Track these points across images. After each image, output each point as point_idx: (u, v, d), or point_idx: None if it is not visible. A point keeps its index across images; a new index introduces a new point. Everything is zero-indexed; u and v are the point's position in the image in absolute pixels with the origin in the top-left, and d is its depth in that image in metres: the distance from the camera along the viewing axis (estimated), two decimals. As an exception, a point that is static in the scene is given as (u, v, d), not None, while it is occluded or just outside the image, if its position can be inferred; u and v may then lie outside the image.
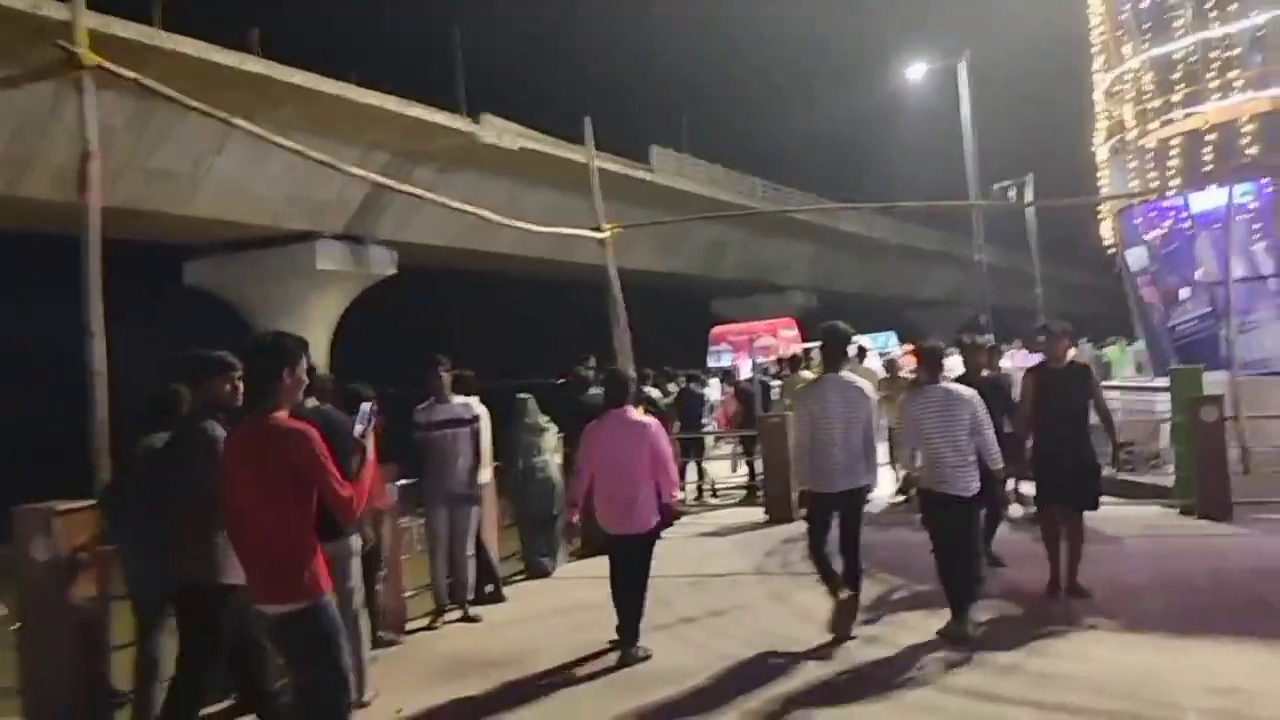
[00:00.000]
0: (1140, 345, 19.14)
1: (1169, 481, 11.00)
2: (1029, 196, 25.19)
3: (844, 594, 6.55)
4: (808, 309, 46.80)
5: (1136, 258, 14.65)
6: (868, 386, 6.85)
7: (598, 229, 11.70)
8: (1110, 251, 15.43)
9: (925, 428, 6.46)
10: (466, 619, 7.76)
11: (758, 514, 11.92)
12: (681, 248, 42.88)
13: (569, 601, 8.15)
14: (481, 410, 8.04)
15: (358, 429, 4.17)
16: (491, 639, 7.30)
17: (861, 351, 13.29)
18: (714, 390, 18.60)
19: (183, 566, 4.54)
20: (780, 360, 16.88)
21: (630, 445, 6.43)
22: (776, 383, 15.02)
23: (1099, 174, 15.35)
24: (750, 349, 20.51)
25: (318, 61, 25.20)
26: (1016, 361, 14.29)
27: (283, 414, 3.94)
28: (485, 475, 8.14)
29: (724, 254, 45.43)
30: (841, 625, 6.53)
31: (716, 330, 23.56)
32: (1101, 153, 15.13)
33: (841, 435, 6.52)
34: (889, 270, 55.36)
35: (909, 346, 14.08)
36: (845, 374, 6.76)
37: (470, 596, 7.88)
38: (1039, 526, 7.33)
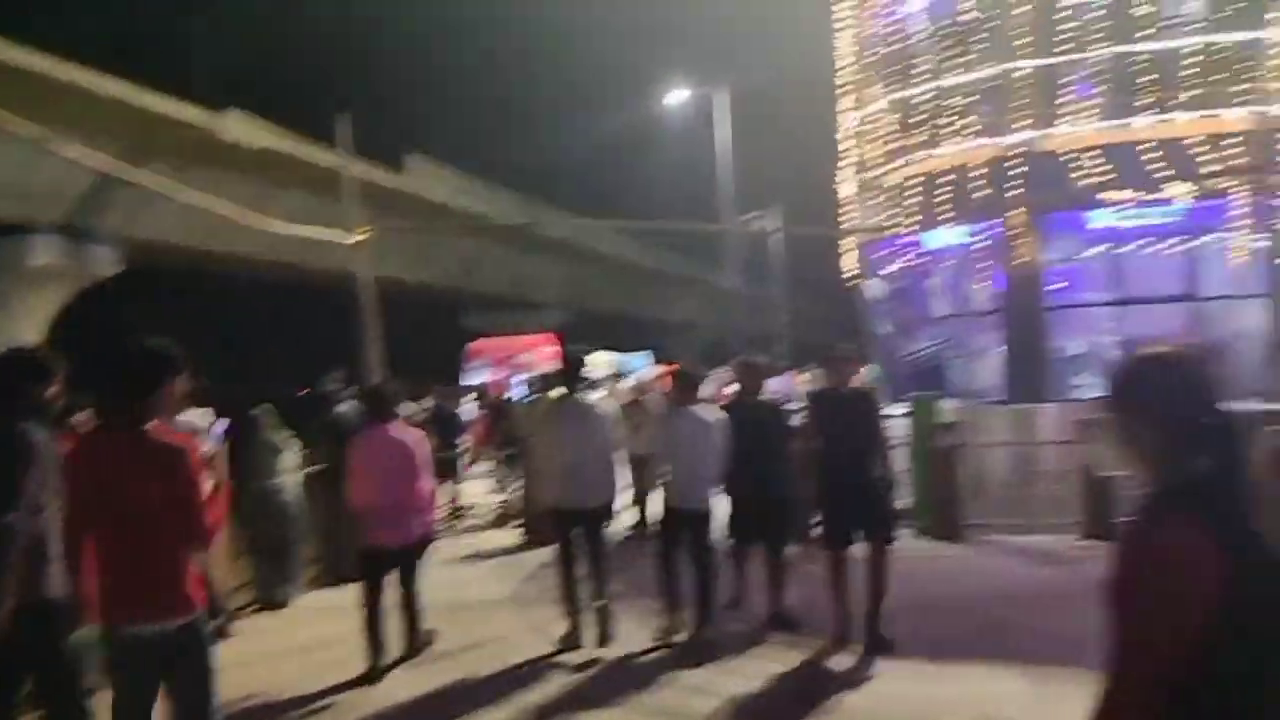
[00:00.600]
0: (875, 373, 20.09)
1: (906, 503, 11.45)
2: (777, 238, 26.22)
3: (588, 611, 6.89)
4: (563, 327, 46.85)
5: (875, 290, 15.36)
6: (608, 409, 7.28)
7: (348, 232, 10.97)
8: (851, 283, 16.11)
9: (674, 447, 6.85)
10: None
11: (515, 537, 11.53)
12: (436, 259, 41.89)
13: (308, 637, 7.47)
14: (212, 424, 7.23)
15: (208, 448, 3.99)
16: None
17: (616, 376, 13.74)
18: (469, 408, 18.00)
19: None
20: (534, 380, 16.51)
21: (397, 459, 6.47)
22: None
23: (844, 209, 16.01)
24: (510, 365, 20.11)
25: (50, 43, 22.82)
26: (782, 385, 14.65)
27: (160, 427, 3.77)
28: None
29: (480, 268, 44.75)
30: (578, 638, 6.83)
31: (474, 345, 22.78)
32: (847, 188, 15.79)
33: (582, 456, 6.81)
34: (642, 293, 56.43)
35: (663, 369, 14.11)
36: (584, 397, 7.17)
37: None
38: (827, 567, 6.53)
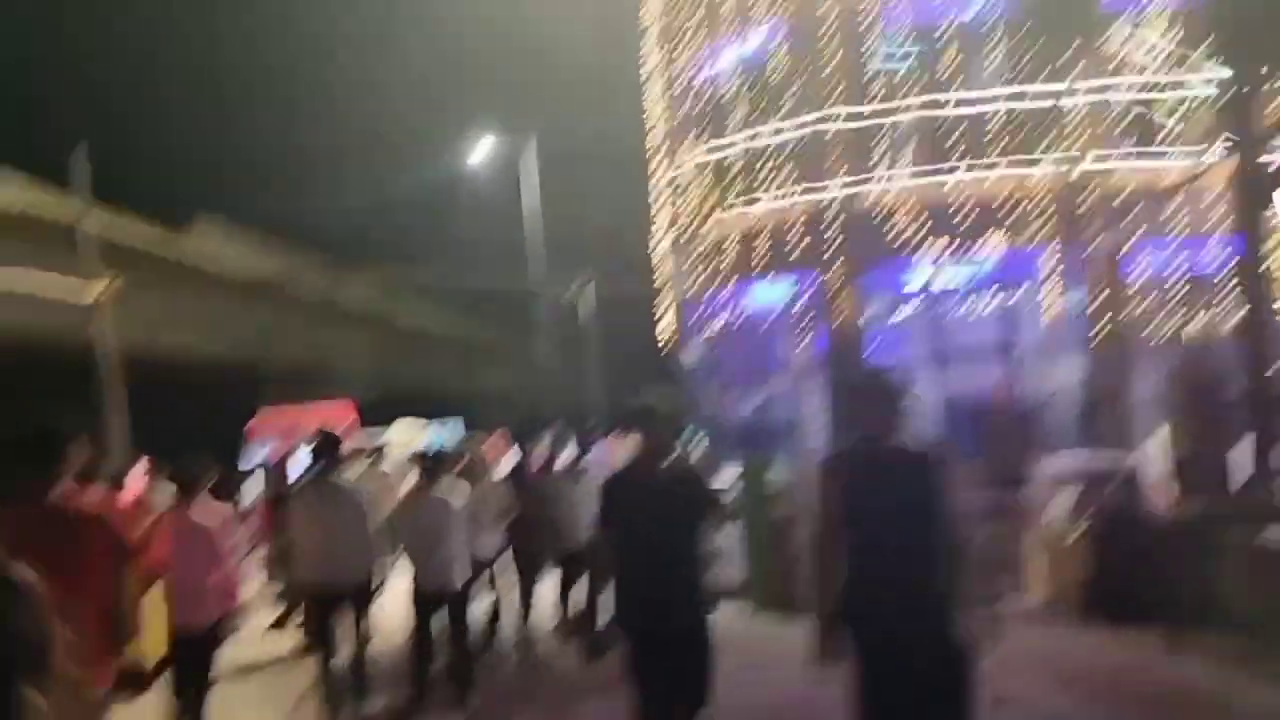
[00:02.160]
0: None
1: (736, 575, 10.52)
2: (588, 298, 25.39)
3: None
4: (369, 397, 44.43)
5: (695, 351, 14.58)
6: (361, 492, 7.45)
7: (83, 285, 9.21)
8: (670, 346, 15.29)
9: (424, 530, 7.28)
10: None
11: (295, 638, 9.88)
12: (229, 330, 38.96)
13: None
14: None
15: None
16: None
17: (381, 451, 13.16)
18: (252, 491, 16.06)
19: None
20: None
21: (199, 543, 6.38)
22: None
23: (658, 268, 15.25)
24: (299, 439, 18.18)
25: None
26: (600, 455, 13.76)
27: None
28: None
29: (279, 340, 41.99)
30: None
31: (257, 418, 20.28)
32: (662, 247, 15.03)
33: (330, 536, 6.99)
34: (448, 363, 54.61)
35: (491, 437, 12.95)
36: (335, 478, 7.38)
37: None
38: None
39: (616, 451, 13.34)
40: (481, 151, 23.92)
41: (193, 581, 6.19)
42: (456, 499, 7.35)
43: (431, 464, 7.55)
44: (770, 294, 13.20)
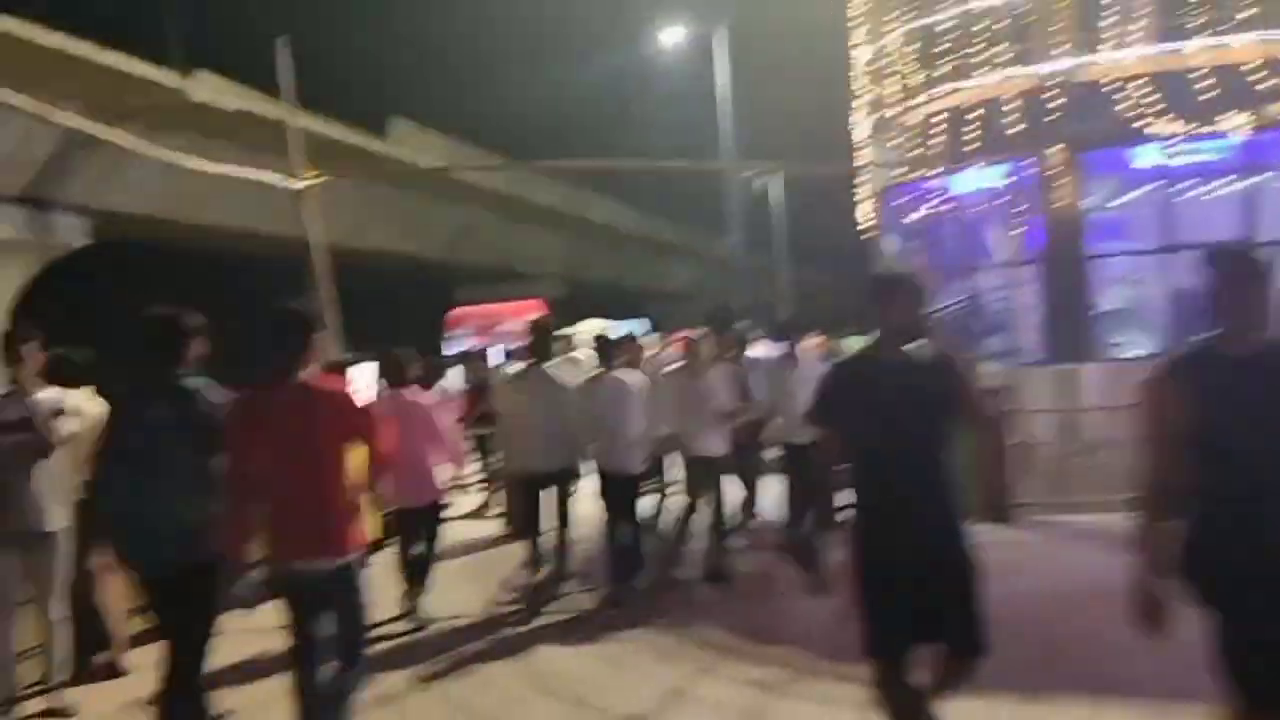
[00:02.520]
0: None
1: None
2: (778, 187, 24.50)
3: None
4: (556, 297, 45.22)
5: (893, 243, 13.76)
6: (566, 375, 7.60)
7: (293, 177, 9.36)
8: (866, 237, 14.49)
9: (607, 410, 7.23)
10: (54, 713, 5.36)
11: (495, 527, 10.08)
12: (425, 230, 40.23)
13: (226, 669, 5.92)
14: (91, 405, 5.64)
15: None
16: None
17: (567, 340, 13.43)
18: (454, 379, 16.51)
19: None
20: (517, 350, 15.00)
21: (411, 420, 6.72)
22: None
23: (858, 154, 14.38)
24: (494, 334, 18.54)
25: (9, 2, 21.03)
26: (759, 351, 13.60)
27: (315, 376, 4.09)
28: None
29: (472, 238, 43.11)
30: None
31: (455, 313, 20.81)
32: (862, 131, 14.14)
33: (544, 424, 7.16)
34: (635, 261, 54.77)
35: (677, 336, 12.76)
36: (550, 367, 7.51)
37: (64, 677, 5.47)
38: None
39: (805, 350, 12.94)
40: (673, 38, 23.12)
41: (415, 460, 6.64)
42: (634, 382, 7.37)
43: (608, 347, 7.59)
44: (981, 179, 12.20)
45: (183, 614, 4.15)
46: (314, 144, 31.43)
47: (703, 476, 7.58)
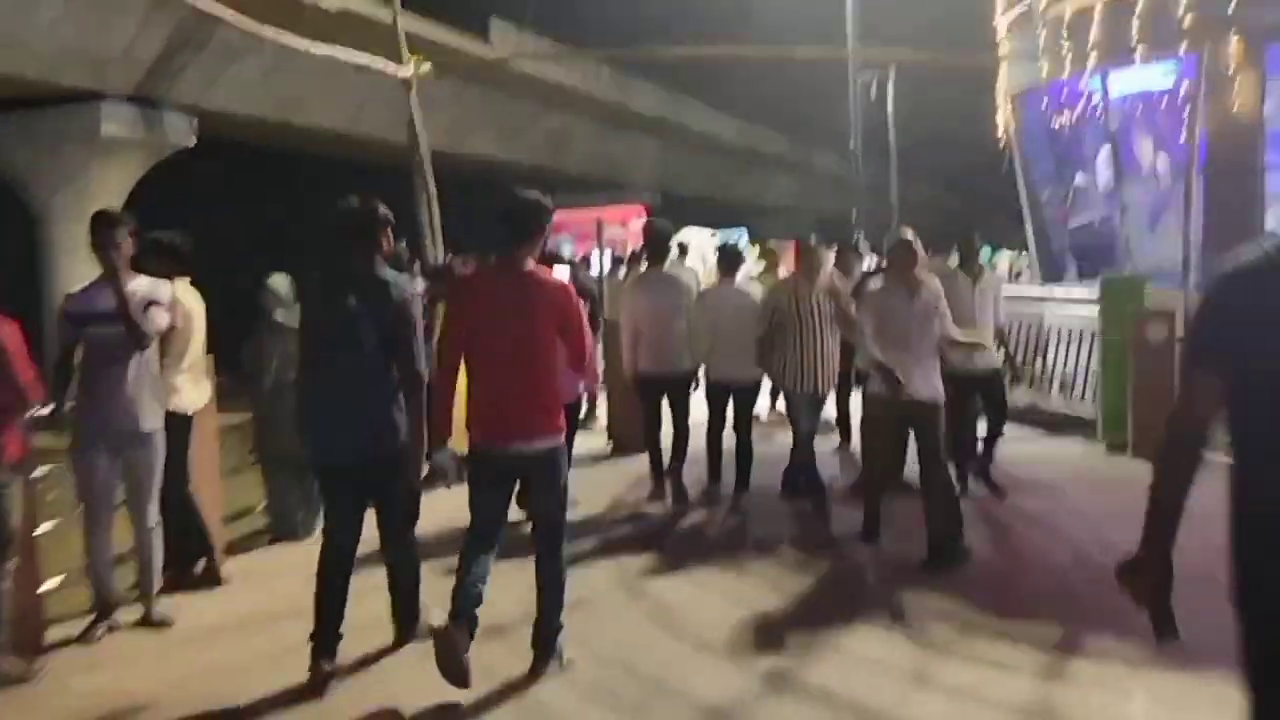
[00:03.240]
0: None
1: (1088, 412, 9.09)
2: (890, 90, 23.01)
3: (670, 482, 7.41)
4: (653, 209, 44.27)
5: (1033, 151, 12.58)
6: (687, 279, 7.72)
7: (400, 63, 8.71)
8: (1003, 145, 13.30)
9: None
10: (149, 622, 4.97)
11: (599, 441, 9.54)
12: (524, 137, 39.47)
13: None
14: (187, 296, 5.14)
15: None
16: (176, 664, 4.56)
17: (682, 249, 12.98)
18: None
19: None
20: (630, 256, 14.37)
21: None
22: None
23: (1000, 52, 13.10)
24: (597, 238, 17.83)
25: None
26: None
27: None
28: (187, 398, 5.26)
29: (569, 146, 42.22)
30: (661, 494, 7.55)
31: (555, 217, 20.28)
32: (1004, 25, 12.86)
33: (666, 326, 7.20)
34: (734, 173, 53.29)
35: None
36: (669, 270, 7.58)
37: (158, 586, 5.07)
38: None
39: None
40: None
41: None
42: (753, 292, 7.29)
43: (729, 256, 7.47)
44: (1141, 79, 10.93)
45: (381, 499, 4.33)
46: (414, 47, 31.04)
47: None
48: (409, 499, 4.46)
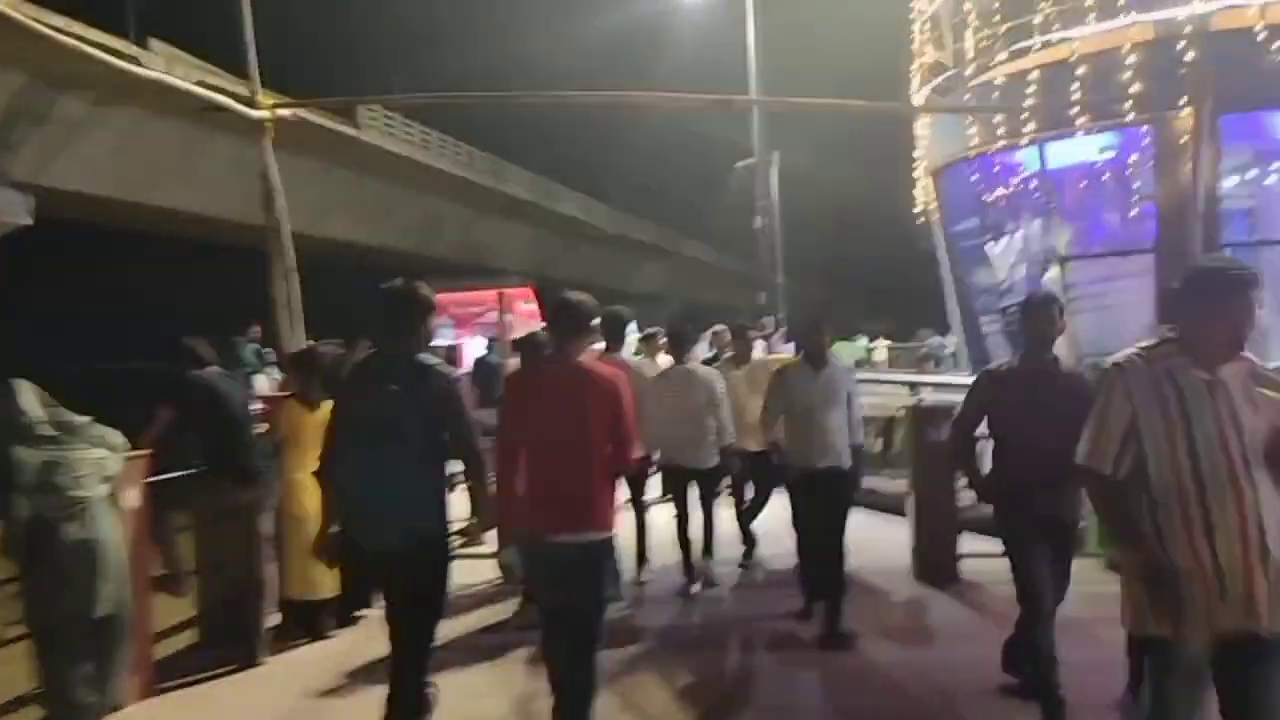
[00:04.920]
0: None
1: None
2: (774, 173, 22.01)
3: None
4: (538, 291, 42.55)
5: (963, 225, 11.38)
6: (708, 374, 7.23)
7: (251, 103, 6.79)
8: (922, 221, 12.12)
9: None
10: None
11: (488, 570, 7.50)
12: (392, 219, 37.47)
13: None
14: None
15: None
16: None
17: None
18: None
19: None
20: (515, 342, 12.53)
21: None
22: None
23: (917, 128, 12.01)
24: (476, 324, 16.00)
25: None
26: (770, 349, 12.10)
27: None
28: None
29: (439, 230, 40.37)
30: None
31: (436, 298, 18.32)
32: (922, 96, 11.77)
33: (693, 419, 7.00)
34: (604, 260, 52.36)
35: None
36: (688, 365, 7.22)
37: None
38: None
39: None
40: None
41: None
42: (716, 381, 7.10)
43: (678, 340, 7.26)
44: (1079, 152, 9.88)
45: (414, 589, 4.03)
46: (284, 126, 28.88)
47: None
48: (435, 596, 4.07)
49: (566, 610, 4.04)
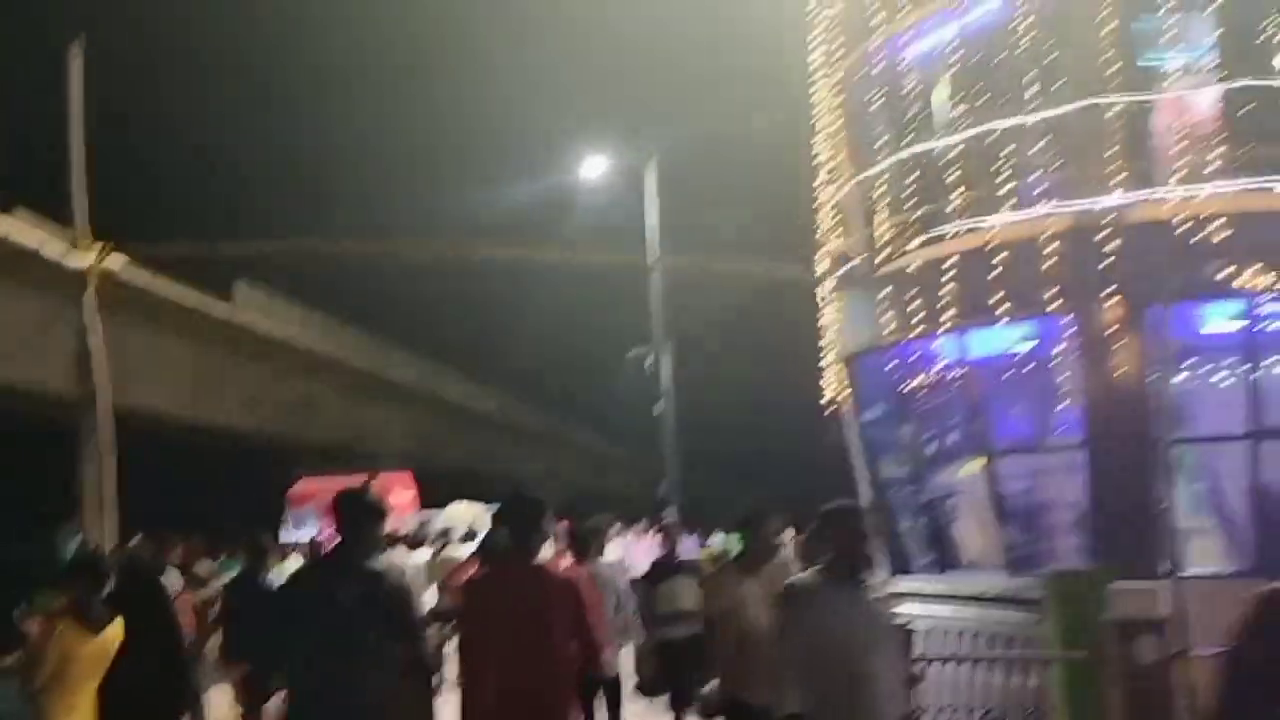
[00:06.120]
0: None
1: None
2: (666, 364, 21.39)
3: None
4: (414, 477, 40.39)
5: (877, 414, 10.61)
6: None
7: (74, 245, 5.55)
8: (831, 411, 11.33)
9: None
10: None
11: None
12: (266, 403, 35.39)
13: None
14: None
15: None
16: None
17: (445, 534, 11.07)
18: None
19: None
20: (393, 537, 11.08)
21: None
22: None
23: (820, 314, 11.40)
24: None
25: None
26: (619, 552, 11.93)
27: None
28: None
29: (315, 413, 38.37)
30: None
31: (299, 487, 15.90)
32: (829, 286, 11.20)
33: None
34: (491, 446, 50.75)
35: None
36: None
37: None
38: None
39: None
40: (597, 160, 19.63)
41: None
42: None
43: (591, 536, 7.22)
44: (997, 341, 9.28)
45: None
46: (149, 302, 27.13)
47: None
48: None
49: None
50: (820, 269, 11.24)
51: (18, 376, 22.47)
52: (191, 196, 41.36)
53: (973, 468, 9.63)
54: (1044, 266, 8.80)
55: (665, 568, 8.27)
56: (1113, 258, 8.58)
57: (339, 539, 4.13)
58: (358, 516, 4.09)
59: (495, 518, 5.72)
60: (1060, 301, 8.78)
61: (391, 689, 3.91)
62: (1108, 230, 8.61)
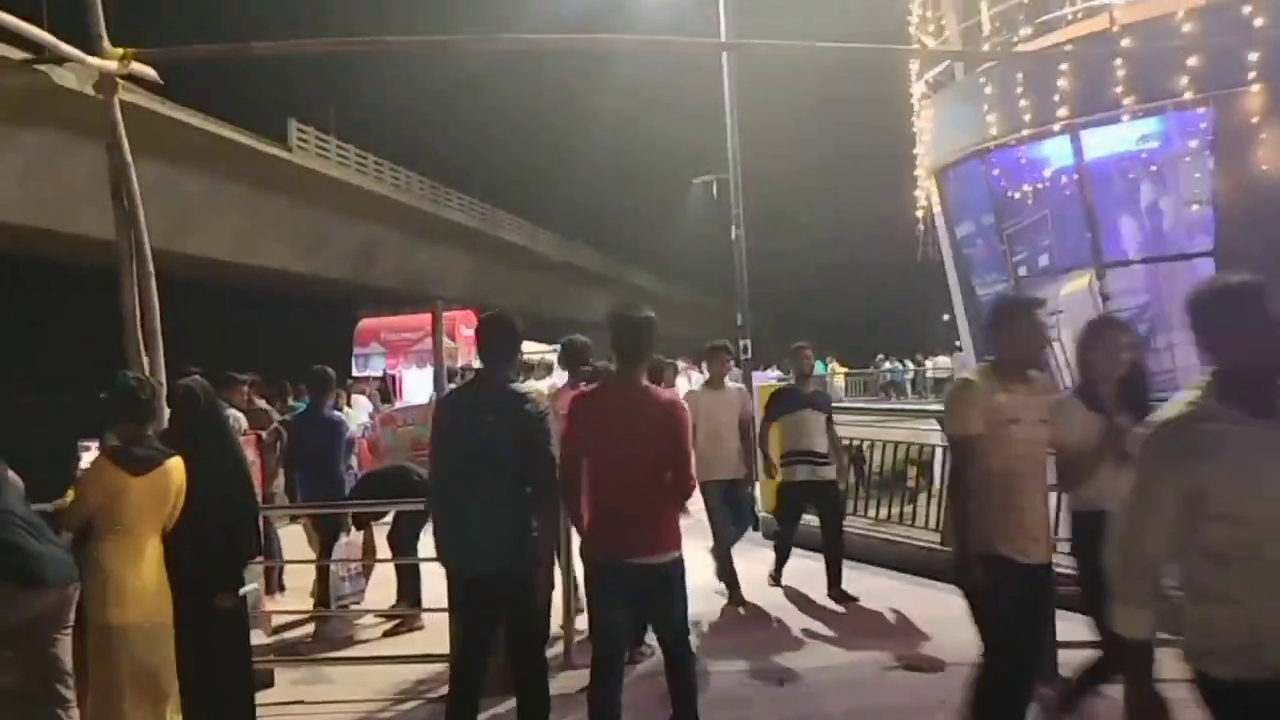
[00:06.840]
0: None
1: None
2: (738, 183, 20.31)
3: None
4: (480, 312, 40.40)
5: (975, 227, 9.78)
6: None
7: (94, 52, 4.86)
8: (923, 224, 10.51)
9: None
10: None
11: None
12: (326, 247, 35.16)
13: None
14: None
15: None
16: None
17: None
18: (361, 411, 12.07)
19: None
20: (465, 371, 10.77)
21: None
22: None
23: (914, 119, 10.43)
24: (412, 352, 14.03)
25: None
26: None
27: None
28: None
29: (376, 258, 38.16)
30: None
31: (365, 325, 15.70)
32: (919, 90, 10.19)
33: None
34: (550, 289, 50.47)
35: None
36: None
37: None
38: None
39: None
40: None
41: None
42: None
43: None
44: (1116, 141, 8.33)
45: (513, 614, 3.98)
46: (209, 144, 26.67)
47: None
48: (540, 615, 4.07)
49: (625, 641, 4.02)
50: (914, 78, 10.21)
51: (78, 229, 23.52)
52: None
53: (1079, 284, 8.84)
54: (1176, 51, 7.75)
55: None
56: (1258, 39, 7.51)
57: (482, 362, 4.16)
58: (501, 338, 4.10)
59: (559, 358, 5.71)
60: (1193, 91, 7.77)
61: (523, 507, 3.96)
62: (1250, 6, 7.51)
